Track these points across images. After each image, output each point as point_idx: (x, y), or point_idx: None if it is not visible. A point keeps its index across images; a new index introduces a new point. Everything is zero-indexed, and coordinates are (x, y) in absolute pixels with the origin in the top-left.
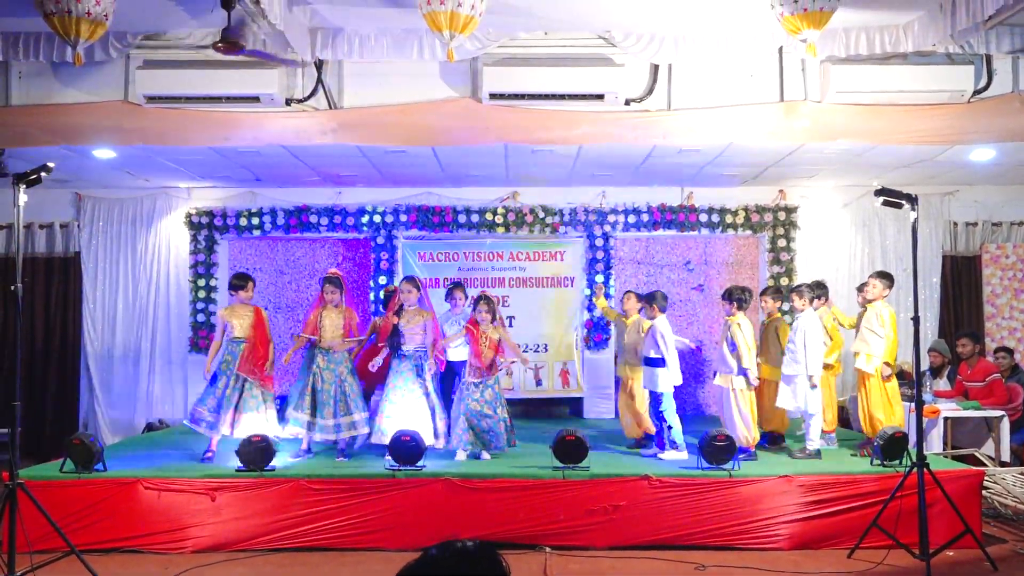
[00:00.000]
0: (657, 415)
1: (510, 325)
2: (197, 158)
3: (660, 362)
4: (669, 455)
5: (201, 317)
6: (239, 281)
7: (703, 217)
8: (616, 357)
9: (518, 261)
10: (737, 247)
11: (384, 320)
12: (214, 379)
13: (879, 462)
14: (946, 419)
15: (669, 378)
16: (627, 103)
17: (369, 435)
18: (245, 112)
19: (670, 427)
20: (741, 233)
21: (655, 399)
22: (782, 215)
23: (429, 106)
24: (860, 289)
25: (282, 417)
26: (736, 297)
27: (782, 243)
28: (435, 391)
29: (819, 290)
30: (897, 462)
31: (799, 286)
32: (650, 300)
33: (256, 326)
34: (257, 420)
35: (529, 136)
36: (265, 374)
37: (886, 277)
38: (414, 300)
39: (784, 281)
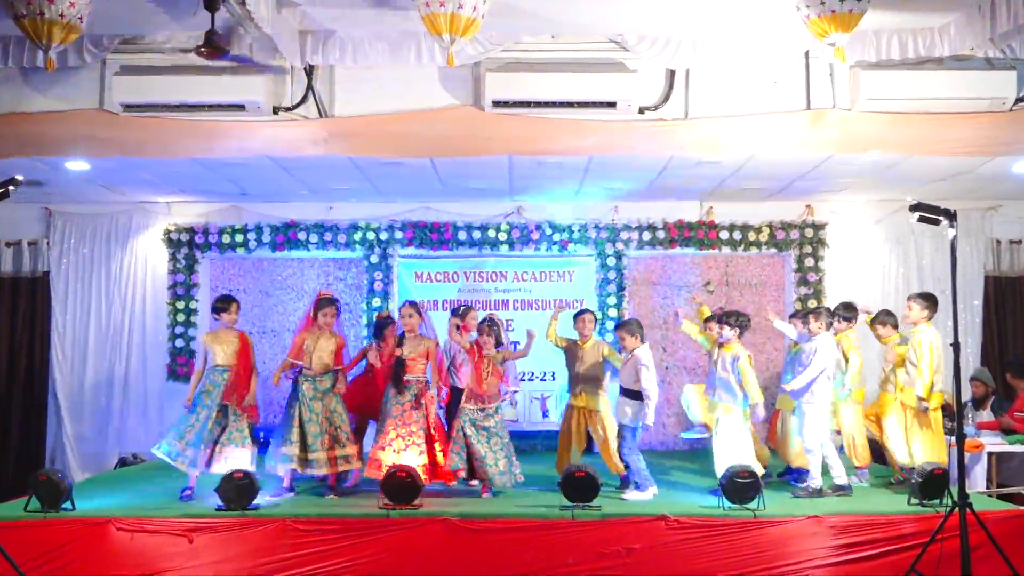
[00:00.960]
0: (624, 451)
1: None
2: (177, 170)
3: (639, 395)
4: (632, 495)
5: (180, 343)
6: (222, 304)
7: (724, 234)
8: (571, 386)
9: (523, 282)
10: (761, 267)
11: (372, 347)
12: (192, 409)
13: (917, 501)
14: (990, 454)
15: (645, 413)
16: (641, 111)
17: (361, 471)
18: (230, 121)
19: (628, 465)
20: (765, 251)
21: (625, 433)
22: (810, 232)
23: (427, 114)
24: (876, 322)
25: (265, 452)
26: (737, 323)
27: (810, 262)
28: (439, 422)
29: (849, 312)
30: (937, 501)
31: (816, 308)
32: (629, 328)
33: (240, 353)
34: (240, 455)
35: (535, 147)
36: (245, 404)
37: (926, 298)
38: (416, 326)
39: (812, 303)
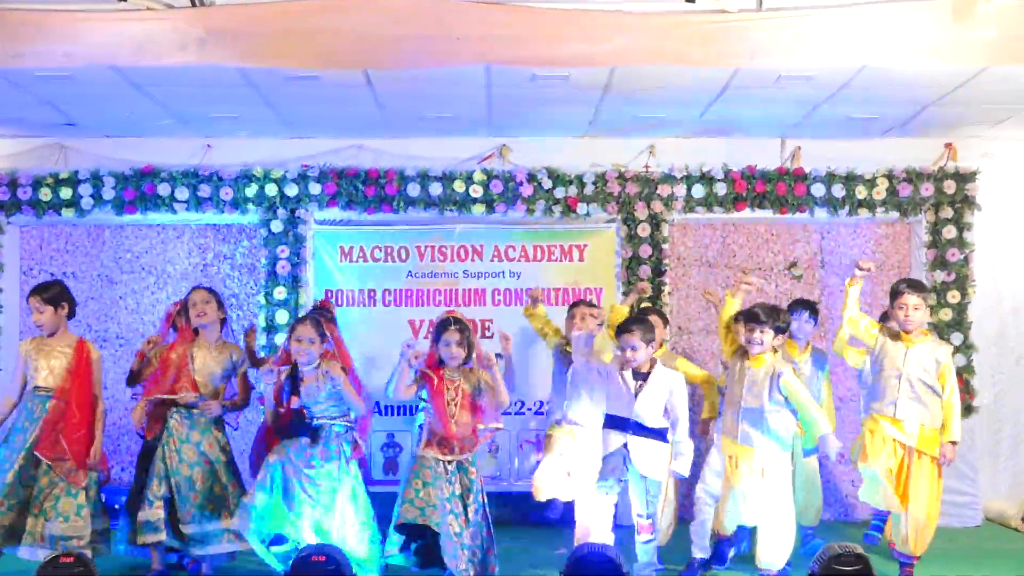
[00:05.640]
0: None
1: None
2: None
3: (664, 434)
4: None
5: None
6: (47, 292)
7: (817, 189)
8: (554, 408)
9: (508, 261)
10: (875, 239)
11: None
12: None
13: None
14: None
15: (685, 461)
16: None
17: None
18: (51, 10)
19: (654, 538)
20: (881, 216)
21: (654, 490)
22: (950, 186)
23: (360, 1)
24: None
25: (118, 525)
26: (777, 322)
27: (950, 232)
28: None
29: None
30: None
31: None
32: (641, 323)
33: (76, 372)
34: (71, 528)
35: (526, 52)
36: (88, 460)
37: (923, 289)
38: (311, 338)
39: (954, 296)
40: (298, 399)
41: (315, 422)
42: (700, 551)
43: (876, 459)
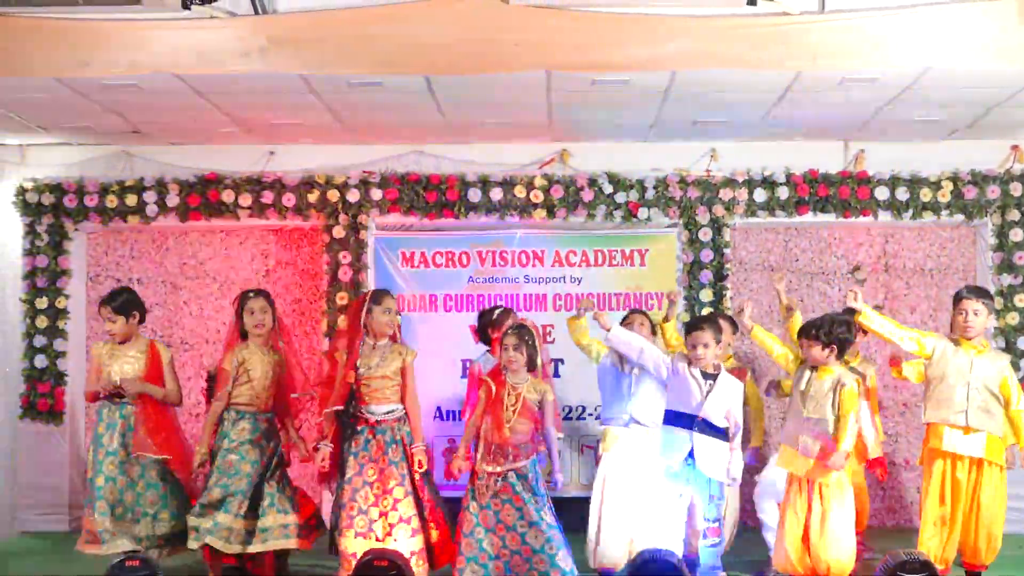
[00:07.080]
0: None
1: (555, 374)
2: (36, 96)
3: (726, 434)
4: None
5: (41, 361)
6: (116, 301)
7: (882, 192)
8: (607, 413)
9: (570, 267)
10: (940, 242)
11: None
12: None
13: None
14: None
15: (740, 466)
16: (752, 2)
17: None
18: (116, 20)
19: (719, 542)
20: (946, 219)
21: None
22: (1017, 188)
23: (422, 9)
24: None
25: None
26: (837, 337)
27: (1017, 235)
28: (431, 481)
29: None
30: None
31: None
32: (711, 323)
33: (149, 376)
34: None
35: (586, 58)
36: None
37: (984, 295)
38: (390, 328)
39: (1021, 300)
40: (354, 373)
41: (370, 409)
42: None
43: (933, 508)
